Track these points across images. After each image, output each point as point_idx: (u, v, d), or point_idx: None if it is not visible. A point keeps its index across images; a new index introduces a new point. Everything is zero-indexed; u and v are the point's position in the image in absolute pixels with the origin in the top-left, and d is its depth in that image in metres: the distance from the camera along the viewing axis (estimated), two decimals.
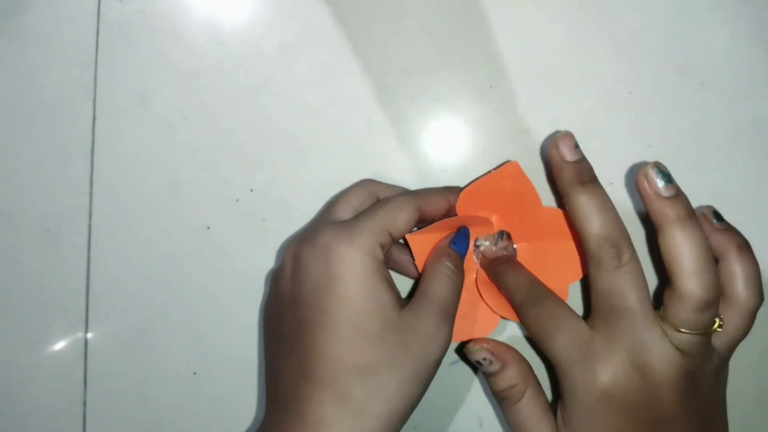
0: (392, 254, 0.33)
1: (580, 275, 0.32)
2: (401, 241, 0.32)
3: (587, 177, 0.29)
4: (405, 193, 0.31)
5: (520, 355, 0.31)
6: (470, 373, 0.34)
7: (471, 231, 0.33)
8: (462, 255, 0.31)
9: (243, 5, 0.34)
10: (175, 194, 0.34)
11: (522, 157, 0.33)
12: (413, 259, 0.32)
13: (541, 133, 0.34)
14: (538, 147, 0.34)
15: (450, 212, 0.32)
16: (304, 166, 0.34)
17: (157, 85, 0.34)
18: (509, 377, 0.30)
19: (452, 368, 0.34)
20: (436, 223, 0.31)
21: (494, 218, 0.33)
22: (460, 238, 0.32)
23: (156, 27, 0.34)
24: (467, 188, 0.32)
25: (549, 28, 0.34)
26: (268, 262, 0.34)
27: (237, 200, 0.34)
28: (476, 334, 0.33)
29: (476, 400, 0.34)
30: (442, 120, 0.34)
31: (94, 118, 0.34)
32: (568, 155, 0.29)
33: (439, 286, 0.29)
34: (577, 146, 0.29)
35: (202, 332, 0.34)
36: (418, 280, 0.32)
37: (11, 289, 0.34)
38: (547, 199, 0.33)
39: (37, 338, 0.34)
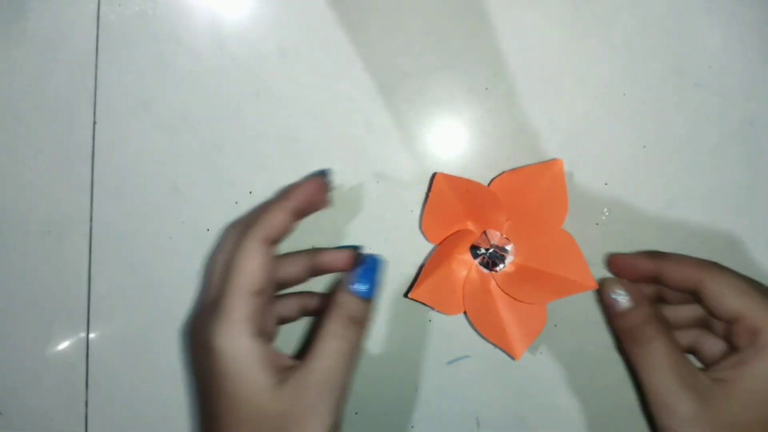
0: (280, 313, 0.32)
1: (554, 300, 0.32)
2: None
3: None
4: (250, 235, 0.28)
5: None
6: (468, 372, 0.34)
7: (471, 236, 0.33)
8: (366, 294, 0.29)
9: (243, 9, 0.35)
10: (176, 197, 0.34)
11: (518, 157, 0.34)
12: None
13: (538, 134, 0.34)
14: (534, 147, 0.34)
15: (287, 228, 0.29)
16: (303, 169, 0.34)
17: (157, 88, 0.34)
18: (641, 313, 0.30)
19: (449, 367, 0.34)
20: (425, 269, 0.32)
21: (506, 225, 0.33)
22: (364, 273, 0.30)
23: (156, 30, 0.34)
24: (506, 173, 0.32)
25: (545, 30, 0.34)
26: None
27: (237, 203, 0.34)
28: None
29: (474, 400, 0.34)
30: (440, 121, 0.34)
31: (95, 122, 0.35)
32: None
33: (321, 353, 0.27)
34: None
35: None
36: None
37: (14, 290, 0.35)
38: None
39: (40, 339, 0.35)
